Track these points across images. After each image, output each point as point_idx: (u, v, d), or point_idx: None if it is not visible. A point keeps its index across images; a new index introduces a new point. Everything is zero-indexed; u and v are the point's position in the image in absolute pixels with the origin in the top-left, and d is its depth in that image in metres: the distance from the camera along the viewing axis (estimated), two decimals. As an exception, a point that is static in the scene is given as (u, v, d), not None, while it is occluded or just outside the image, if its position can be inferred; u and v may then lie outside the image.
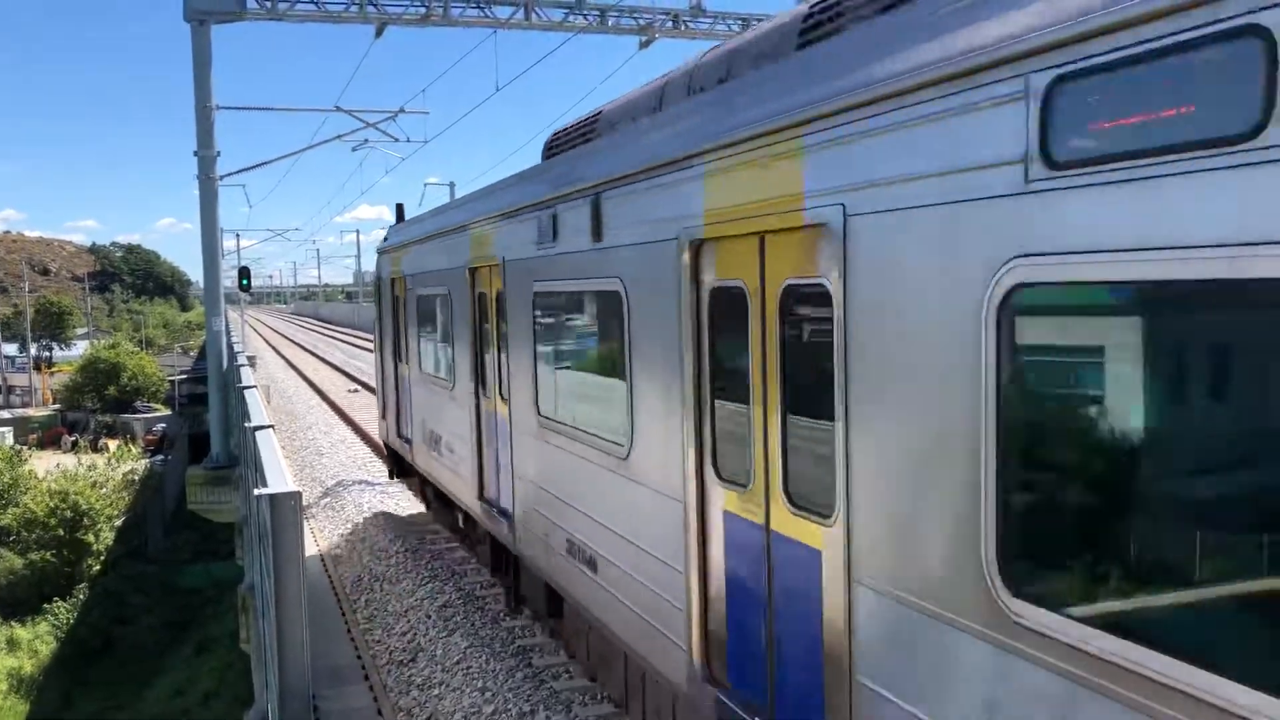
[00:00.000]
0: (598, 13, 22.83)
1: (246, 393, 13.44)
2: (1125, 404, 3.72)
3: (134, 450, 64.54)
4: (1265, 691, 3.00)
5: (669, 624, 6.91)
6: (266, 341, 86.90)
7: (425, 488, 16.64)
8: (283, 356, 66.88)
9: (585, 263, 8.20)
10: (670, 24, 23.51)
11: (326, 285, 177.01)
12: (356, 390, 38.56)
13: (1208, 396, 3.53)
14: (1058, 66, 3.62)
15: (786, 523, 5.61)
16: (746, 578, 6.14)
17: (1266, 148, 2.94)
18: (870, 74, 4.70)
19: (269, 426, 8.10)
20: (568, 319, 9.20)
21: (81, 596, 43.15)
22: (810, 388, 5.30)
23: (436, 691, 10.66)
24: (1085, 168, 3.54)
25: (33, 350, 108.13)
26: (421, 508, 18.09)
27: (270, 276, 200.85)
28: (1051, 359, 4.04)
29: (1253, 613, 3.24)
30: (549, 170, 9.75)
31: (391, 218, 18.87)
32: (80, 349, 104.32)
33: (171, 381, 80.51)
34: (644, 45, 23.54)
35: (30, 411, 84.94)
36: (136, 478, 56.73)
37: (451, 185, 48.79)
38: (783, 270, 5.49)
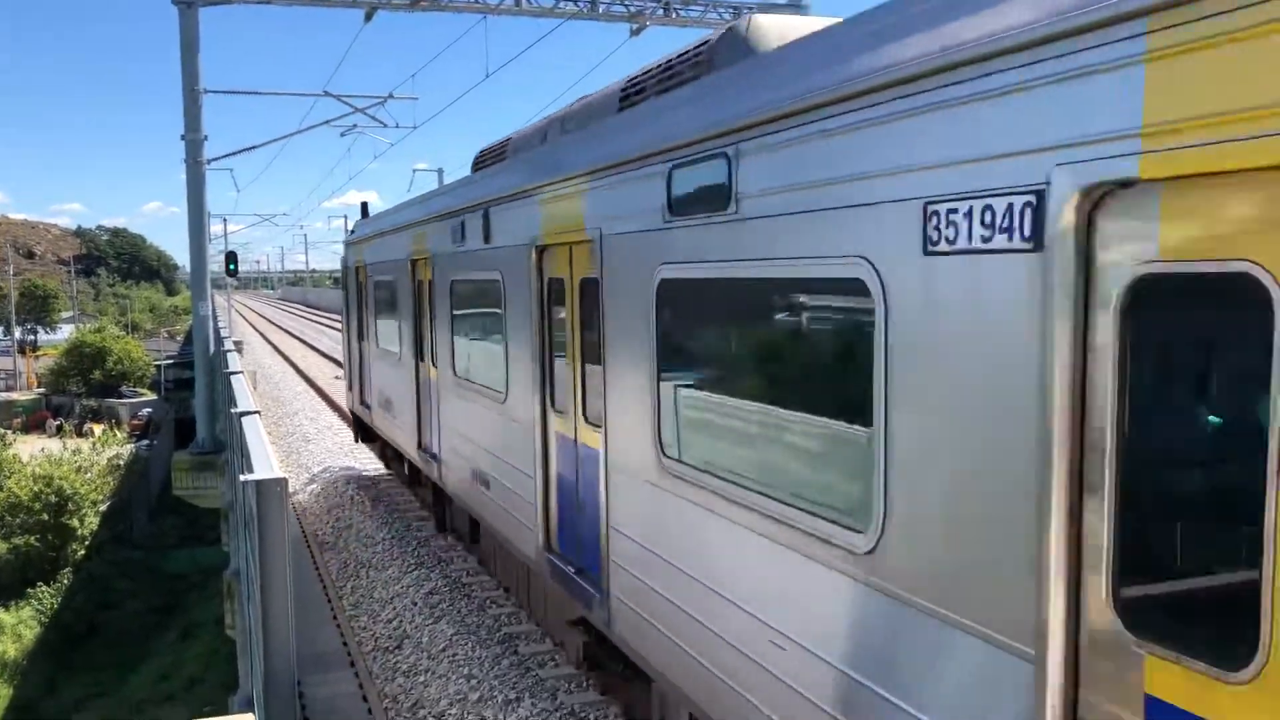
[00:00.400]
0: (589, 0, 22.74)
1: (233, 378, 13.40)
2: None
3: (119, 435, 64.21)
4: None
5: (528, 517, 9.67)
6: (253, 327, 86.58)
7: (385, 449, 18.93)
8: (269, 342, 66.65)
9: (480, 259, 10.97)
10: (661, 11, 23.43)
11: (314, 271, 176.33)
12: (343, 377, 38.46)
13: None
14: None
15: (585, 433, 8.34)
16: (565, 474, 8.99)
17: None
18: (615, 147, 7.48)
19: (255, 412, 8.08)
20: (471, 301, 11.59)
21: (66, 581, 43.00)
22: (595, 345, 7.86)
23: (422, 678, 10.66)
24: (677, 216, 6.44)
25: (17, 334, 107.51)
26: (414, 510, 18.10)
27: (257, 261, 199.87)
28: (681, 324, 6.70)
29: None
30: (461, 185, 12.74)
31: (380, 203, 20.09)
32: (65, 333, 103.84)
33: (157, 366, 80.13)
34: (635, 33, 23.46)
35: (14, 395, 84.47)
36: (122, 463, 56.50)
37: (440, 171, 48.66)
38: (581, 269, 8.29)
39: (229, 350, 19.20)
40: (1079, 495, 3.56)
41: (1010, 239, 3.74)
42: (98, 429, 67.48)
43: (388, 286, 16.16)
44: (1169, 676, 3.20)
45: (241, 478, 5.53)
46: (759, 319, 5.86)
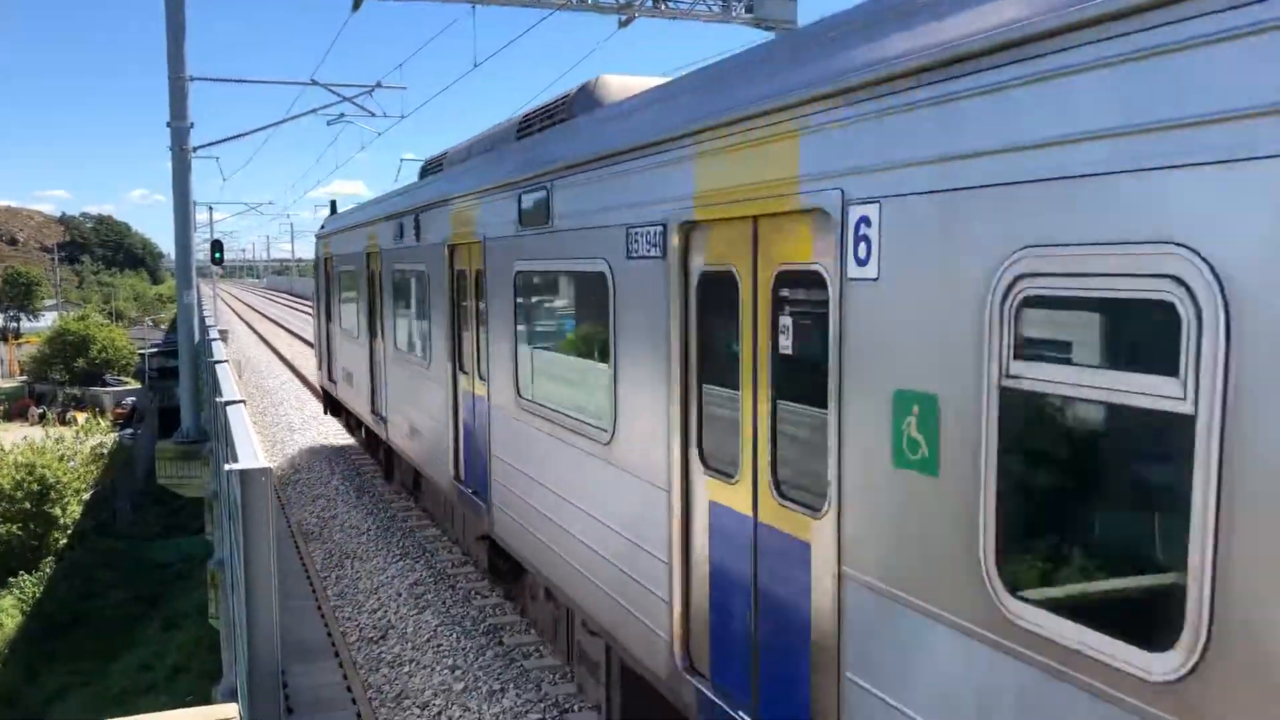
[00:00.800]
0: (578, -10, 22.63)
1: (218, 367, 13.34)
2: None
3: (103, 424, 63.85)
4: None
5: (444, 455, 12.38)
6: (239, 316, 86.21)
7: (350, 420, 21.63)
8: (255, 331, 66.37)
9: (413, 253, 13.69)
10: (650, 3, 23.37)
11: (300, 260, 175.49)
12: (329, 366, 38.30)
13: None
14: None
15: (478, 387, 10.81)
16: (468, 420, 11.54)
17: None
18: (493, 174, 10.28)
19: (240, 402, 8.04)
20: (407, 287, 14.23)
21: (48, 570, 42.76)
22: (484, 321, 10.42)
23: (407, 669, 10.66)
24: (524, 227, 9.52)
25: (0, 321, 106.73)
26: (399, 501, 18.08)
27: (243, 250, 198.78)
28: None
29: None
30: (402, 192, 15.71)
31: (367, 193, 20.79)
32: (48, 320, 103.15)
33: (142, 355, 79.72)
34: (623, 24, 23.38)
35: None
36: (105, 451, 56.18)
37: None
38: (475, 263, 10.99)
39: (214, 339, 19.09)
40: (687, 391, 6.51)
41: (653, 251, 6.68)
42: (81, 417, 67.10)
43: (349, 275, 18.95)
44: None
45: (226, 467, 5.51)
46: (564, 299, 8.94)
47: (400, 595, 12.81)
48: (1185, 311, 3.18)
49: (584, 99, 9.41)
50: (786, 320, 5.48)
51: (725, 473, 6.12)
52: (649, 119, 6.96)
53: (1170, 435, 3.24)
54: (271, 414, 28.98)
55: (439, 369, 12.51)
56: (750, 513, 5.92)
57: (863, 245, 4.70)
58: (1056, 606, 3.72)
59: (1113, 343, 3.62)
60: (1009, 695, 3.89)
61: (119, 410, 70.45)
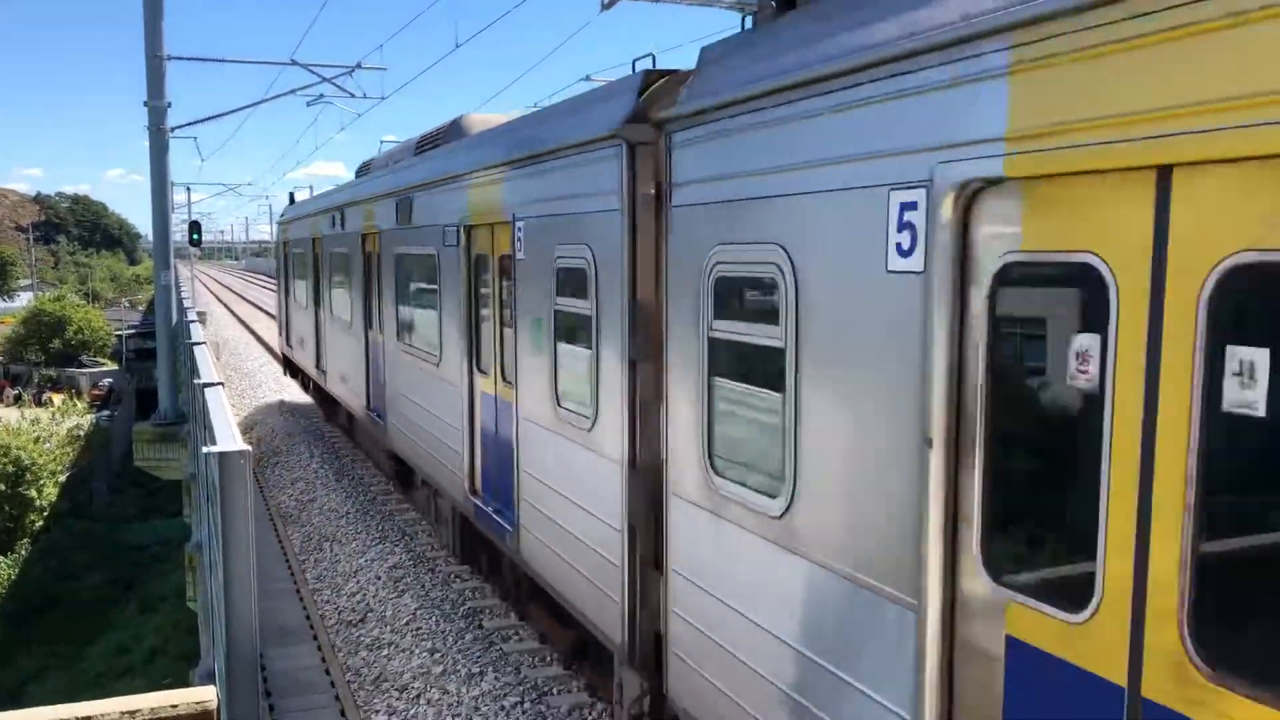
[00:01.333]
0: (560, -28, 22.48)
1: (196, 349, 13.24)
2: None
3: (79, 405, 63.39)
4: None
5: (359, 387, 16.55)
6: (217, 298, 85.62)
7: (307, 381, 25.22)
8: (233, 313, 65.95)
9: (343, 240, 17.60)
10: (633, -14, 23.24)
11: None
12: (308, 349, 38.13)
13: None
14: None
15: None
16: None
17: None
18: (385, 185, 14.62)
19: (219, 384, 8.00)
20: (341, 266, 18.03)
21: (23, 553, 42.48)
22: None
23: (385, 652, 10.65)
24: (400, 226, 13.48)
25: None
26: (379, 484, 18.06)
27: (222, 232, 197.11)
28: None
29: None
30: (334, 191, 20.94)
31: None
32: (24, 300, 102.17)
33: (119, 336, 79.07)
34: (606, 6, 23.28)
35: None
36: (81, 433, 55.79)
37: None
38: (372, 246, 15.48)
39: (192, 321, 18.96)
40: (473, 325, 10.70)
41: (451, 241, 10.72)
42: (57, 399, 66.60)
43: (300, 257, 23.69)
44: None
45: (204, 450, 5.47)
46: (413, 284, 12.84)
47: (379, 578, 12.79)
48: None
49: (454, 130, 12.94)
50: (486, 278, 10.18)
51: (485, 371, 10.42)
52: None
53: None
54: (250, 396, 28.83)
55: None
56: (493, 392, 10.17)
57: (520, 241, 8.94)
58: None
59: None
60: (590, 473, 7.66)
61: (96, 392, 69.92)
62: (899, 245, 4.34)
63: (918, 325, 4.21)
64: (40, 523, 45.13)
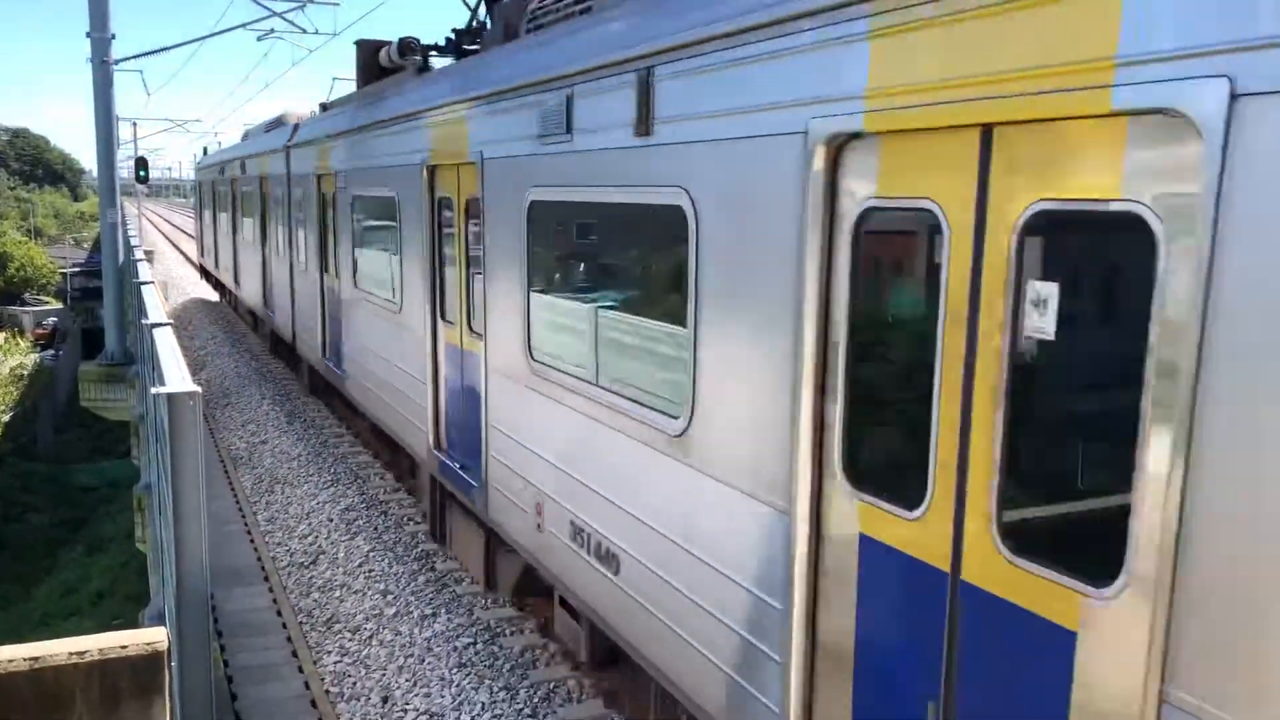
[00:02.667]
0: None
1: (143, 289, 13.01)
2: None
3: (22, 344, 62.15)
4: None
5: (257, 298, 23.23)
6: (165, 236, 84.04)
7: (221, 288, 32.60)
8: (181, 252, 64.83)
9: (244, 180, 23.11)
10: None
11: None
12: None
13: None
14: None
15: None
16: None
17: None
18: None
19: (168, 324, 7.87)
20: (236, 199, 23.37)
21: (-34, 494, 41.84)
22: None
23: (338, 594, 10.67)
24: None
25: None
26: (330, 425, 17.99)
27: (170, 169, 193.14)
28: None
29: None
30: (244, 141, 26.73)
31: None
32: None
33: (63, 274, 77.47)
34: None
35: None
36: (25, 372, 54.78)
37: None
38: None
39: (139, 260, 18.61)
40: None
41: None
42: (-1, 337, 65.24)
43: (212, 188, 31.78)
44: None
45: (153, 391, 5.41)
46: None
47: (331, 521, 12.77)
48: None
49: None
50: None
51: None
52: None
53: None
54: (200, 336, 28.45)
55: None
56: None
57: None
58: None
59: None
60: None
61: (39, 331, 68.51)
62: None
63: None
64: (-17, 464, 44.42)
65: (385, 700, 8.44)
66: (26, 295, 78.73)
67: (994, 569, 3.91)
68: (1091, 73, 3.34)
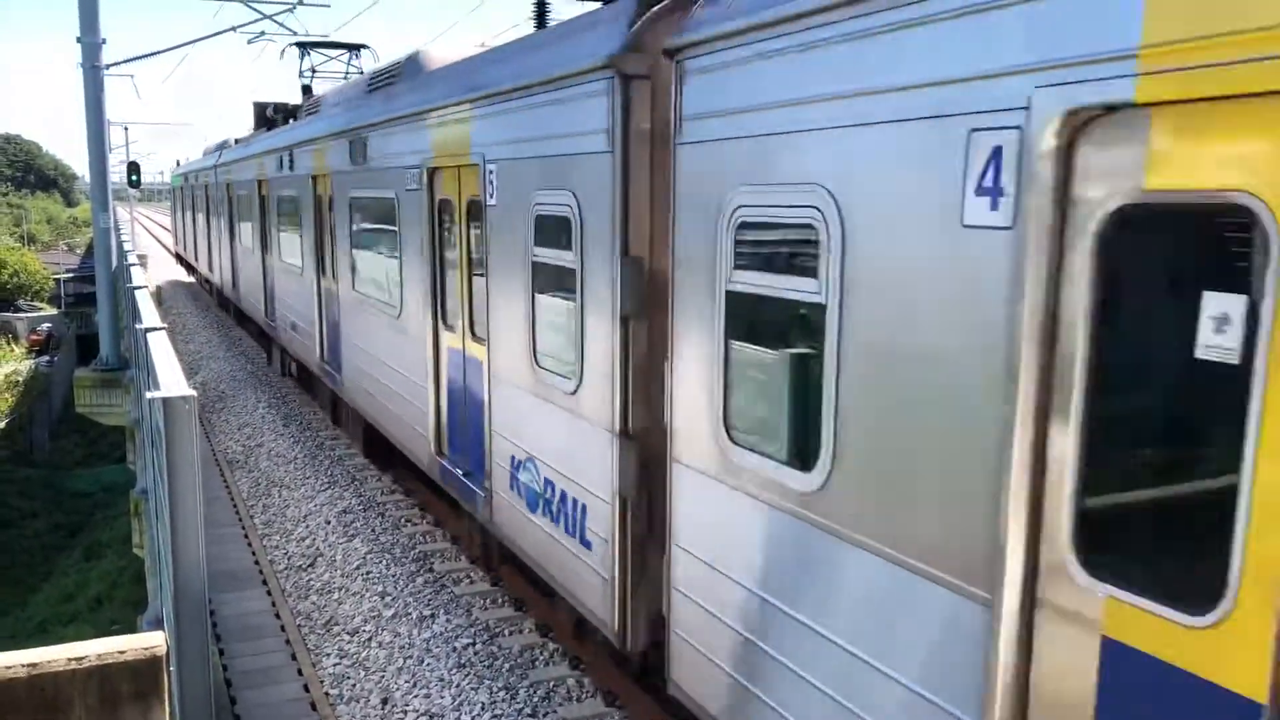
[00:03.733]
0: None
1: (137, 293, 13.00)
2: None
3: (17, 351, 62.08)
4: None
5: (218, 280, 30.48)
6: (158, 241, 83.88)
7: (203, 280, 38.69)
8: (167, 248, 64.68)
9: (214, 189, 28.94)
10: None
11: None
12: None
13: None
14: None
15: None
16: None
17: None
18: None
19: (162, 328, 7.86)
20: (206, 204, 31.74)
21: (-38, 501, 41.76)
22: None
23: (336, 596, 10.67)
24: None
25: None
26: (326, 429, 18.01)
27: (162, 173, 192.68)
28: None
29: None
30: (217, 149, 32.10)
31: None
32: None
33: (57, 280, 77.35)
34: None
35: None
36: (20, 379, 54.73)
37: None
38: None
39: (132, 265, 18.58)
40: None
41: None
42: (-6, 344, 65.10)
43: (187, 194, 40.18)
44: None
45: (148, 395, 5.40)
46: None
47: (329, 523, 12.77)
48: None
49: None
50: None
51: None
52: None
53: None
54: (195, 340, 28.42)
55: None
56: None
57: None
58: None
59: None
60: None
61: (34, 337, 68.45)
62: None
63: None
64: (-21, 471, 44.34)
65: (385, 702, 8.43)
66: (20, 302, 78.60)
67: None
68: None
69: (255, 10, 25.29)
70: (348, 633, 9.78)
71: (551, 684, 8.50)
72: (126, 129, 64.69)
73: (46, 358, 60.89)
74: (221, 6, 27.45)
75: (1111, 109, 3.17)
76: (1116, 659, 3.24)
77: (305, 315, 16.80)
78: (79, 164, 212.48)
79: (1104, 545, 3.36)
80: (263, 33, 27.38)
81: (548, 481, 7.64)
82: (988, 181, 3.62)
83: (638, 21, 6.15)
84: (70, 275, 76.06)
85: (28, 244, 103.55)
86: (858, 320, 4.36)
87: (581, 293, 6.82)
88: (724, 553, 5.54)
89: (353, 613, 10.19)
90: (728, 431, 5.47)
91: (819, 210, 4.55)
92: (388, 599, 10.36)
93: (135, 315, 12.73)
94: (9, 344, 64.24)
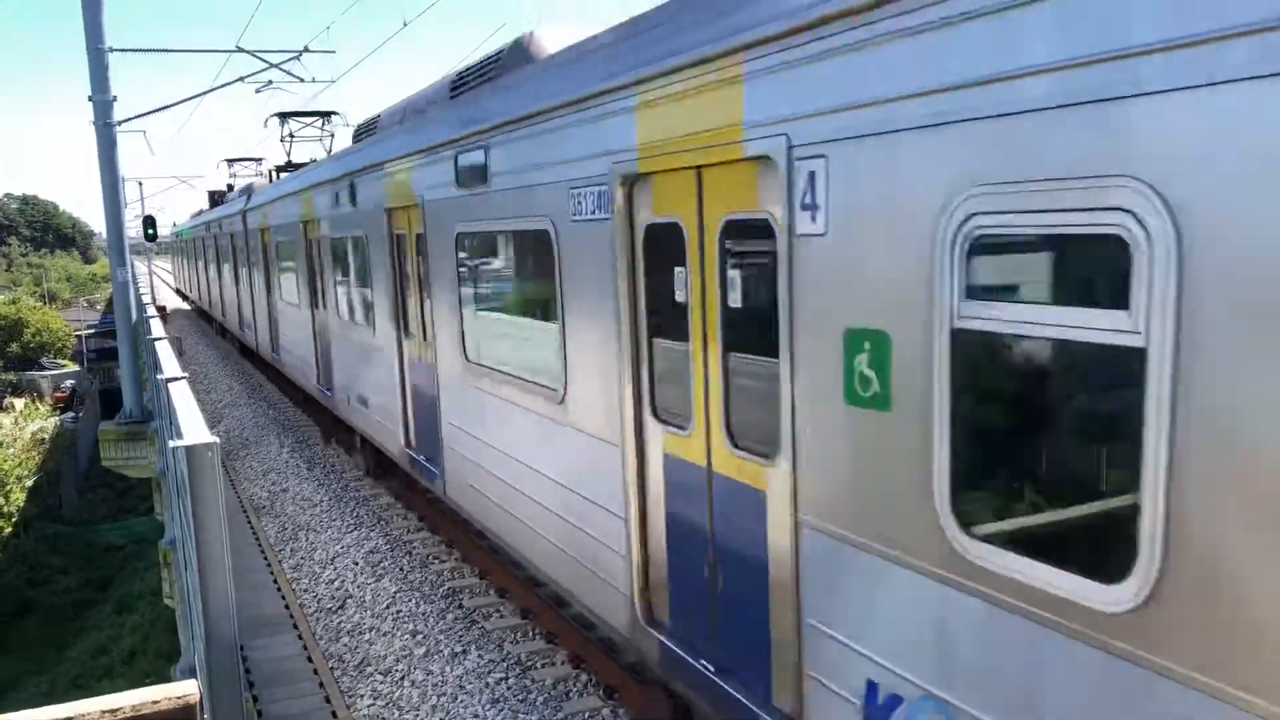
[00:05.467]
0: (506, -54, 22.26)
1: (157, 344, 13.10)
2: None
3: (42, 408, 62.54)
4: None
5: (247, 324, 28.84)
6: (176, 292, 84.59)
7: (204, 312, 45.80)
8: (180, 293, 65.16)
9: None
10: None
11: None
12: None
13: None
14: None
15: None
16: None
17: None
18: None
19: (183, 378, 7.91)
20: (205, 252, 39.60)
21: (-6, 560, 41.99)
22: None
23: (367, 637, 10.65)
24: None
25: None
26: (350, 470, 18.04)
27: (176, 224, 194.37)
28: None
29: None
30: (208, 212, 41.12)
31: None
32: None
33: (78, 336, 78.05)
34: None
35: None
36: (46, 436, 55.08)
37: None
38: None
39: (151, 316, 18.72)
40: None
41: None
42: (19, 403, 65.64)
43: (193, 246, 47.29)
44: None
45: (171, 444, 5.43)
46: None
47: (357, 564, 12.77)
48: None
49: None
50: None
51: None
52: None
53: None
54: (216, 389, 28.59)
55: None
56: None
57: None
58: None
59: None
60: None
61: (58, 394, 68.99)
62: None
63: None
64: (9, 529, 44.60)
65: (421, 741, 8.39)
66: (44, 360, 79.34)
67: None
68: None
69: (262, 60, 25.56)
70: (380, 673, 9.76)
71: (586, 715, 8.45)
72: (141, 183, 65.41)
73: (71, 414, 61.35)
74: (229, 58, 27.81)
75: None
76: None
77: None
78: (95, 221, 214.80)
79: None
80: (270, 81, 27.64)
81: None
82: None
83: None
84: (91, 331, 76.74)
85: (48, 302, 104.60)
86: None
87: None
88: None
89: (384, 652, 10.17)
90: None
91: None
92: (419, 637, 10.34)
93: (156, 366, 12.83)
94: (34, 402, 64.76)
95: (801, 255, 4.69)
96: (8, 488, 45.29)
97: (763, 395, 5.25)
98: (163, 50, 25.07)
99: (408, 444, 12.31)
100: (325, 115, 30.03)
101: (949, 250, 3.83)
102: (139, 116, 25.84)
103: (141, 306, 21.76)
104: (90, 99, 19.98)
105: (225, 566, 4.69)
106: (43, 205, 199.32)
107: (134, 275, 22.64)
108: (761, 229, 5.04)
